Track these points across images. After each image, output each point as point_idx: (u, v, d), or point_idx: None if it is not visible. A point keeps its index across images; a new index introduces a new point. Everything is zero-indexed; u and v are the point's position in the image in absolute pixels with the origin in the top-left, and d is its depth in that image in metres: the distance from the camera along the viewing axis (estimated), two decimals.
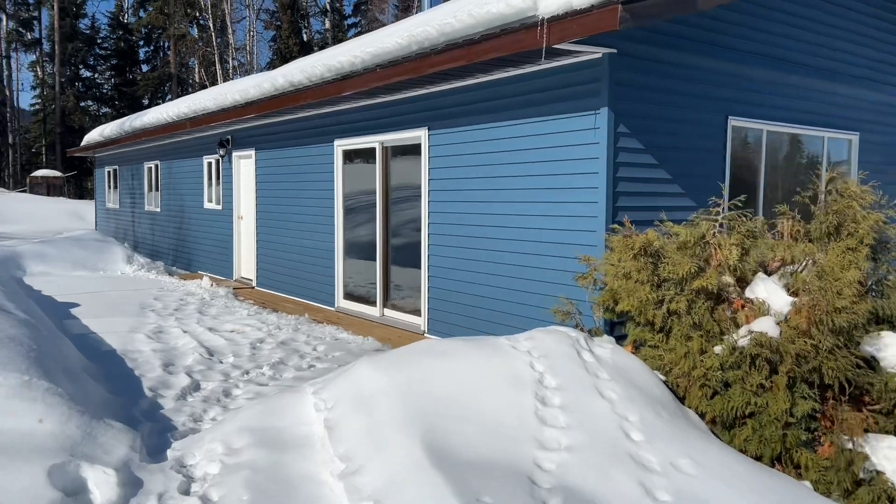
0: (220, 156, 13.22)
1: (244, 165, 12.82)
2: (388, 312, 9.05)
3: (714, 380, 4.24)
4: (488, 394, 3.73)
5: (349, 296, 9.80)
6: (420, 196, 8.24)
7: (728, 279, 4.41)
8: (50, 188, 30.13)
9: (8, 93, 37.71)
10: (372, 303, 9.31)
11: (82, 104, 38.34)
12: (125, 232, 19.68)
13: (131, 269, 13.79)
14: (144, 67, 43.04)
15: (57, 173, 31.06)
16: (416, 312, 8.47)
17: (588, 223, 6.16)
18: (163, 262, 16.48)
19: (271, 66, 35.74)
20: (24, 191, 30.86)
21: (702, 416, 4.34)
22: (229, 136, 13.13)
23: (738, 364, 4.17)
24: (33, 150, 37.95)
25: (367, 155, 9.31)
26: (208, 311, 9.64)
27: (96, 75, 40.60)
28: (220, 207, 13.68)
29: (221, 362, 6.77)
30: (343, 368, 4.48)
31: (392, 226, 9.01)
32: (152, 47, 42.94)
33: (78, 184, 36.04)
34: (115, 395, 5.41)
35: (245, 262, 12.94)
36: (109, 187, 21.38)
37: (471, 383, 3.82)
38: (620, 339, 5.29)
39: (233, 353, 7.14)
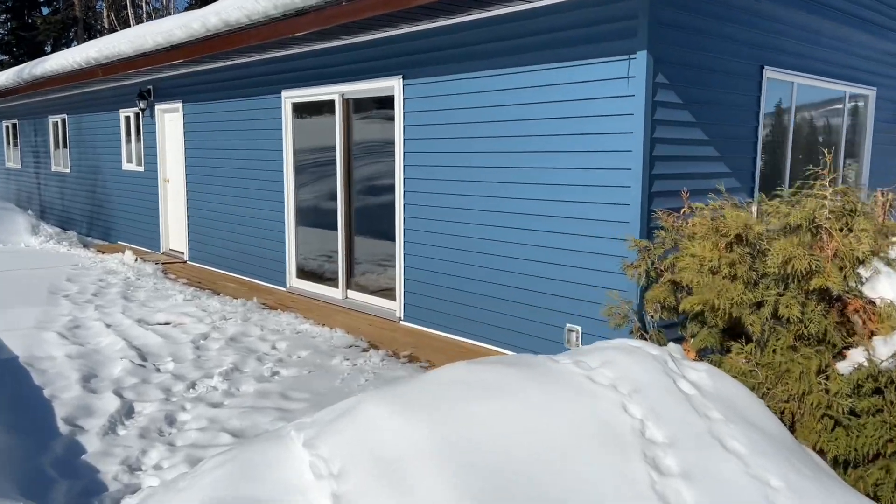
0: (141, 109, 11.41)
1: (169, 120, 11.08)
2: (354, 295, 7.77)
3: (840, 409, 3.24)
4: (576, 457, 2.59)
5: (304, 274, 8.44)
6: (394, 156, 6.93)
7: (850, 275, 3.38)
8: None
9: None
10: (332, 282, 8.00)
11: None
12: (29, 196, 17.43)
13: (37, 241, 11.91)
14: (45, 10, 38.94)
15: None
16: (390, 295, 7.24)
17: (619, 195, 5.04)
18: (76, 231, 14.51)
19: (189, 10, 32.77)
20: None
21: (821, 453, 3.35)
22: (150, 87, 11.32)
23: (879, 390, 3.18)
24: None
25: (323, 108, 7.88)
26: (135, 294, 8.12)
27: None
28: (141, 169, 11.91)
29: (159, 370, 5.39)
30: (343, 406, 3.24)
31: (357, 190, 7.67)
32: None
33: None
34: (16, 434, 4.01)
35: (174, 233, 11.31)
36: (8, 144, 18.93)
37: (545, 439, 2.67)
38: (673, 341, 4.26)
39: (172, 355, 5.75)
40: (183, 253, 10.98)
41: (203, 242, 10.31)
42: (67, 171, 14.87)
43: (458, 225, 6.25)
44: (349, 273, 7.84)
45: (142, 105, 11.33)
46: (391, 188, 7.05)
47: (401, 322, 6.97)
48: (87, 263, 10.18)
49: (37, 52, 34.49)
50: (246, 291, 8.49)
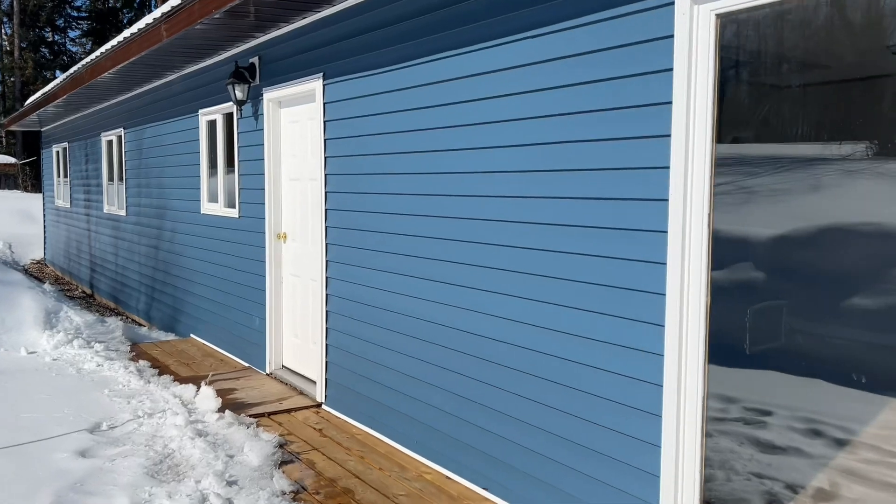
0: (236, 102, 6.06)
1: (291, 120, 5.68)
2: None
3: None
4: None
5: None
6: None
7: None
8: (1, 179, 22.98)
9: None
10: None
11: (46, 73, 31.02)
12: (78, 247, 12.55)
13: (52, 341, 6.63)
14: None
15: (10, 159, 23.89)
16: None
17: None
18: (126, 313, 9.38)
19: None
20: None
21: None
22: (255, 60, 5.99)
23: None
24: None
25: None
26: None
27: (67, 40, 33.30)
28: (234, 214, 6.56)
29: None
30: None
31: None
32: (136, 5, 35.48)
33: (38, 173, 28.90)
34: None
35: (295, 339, 5.82)
36: (58, 175, 14.26)
37: None
38: None
39: None
40: (314, 383, 5.44)
41: (362, 373, 4.72)
42: (123, 213, 9.80)
43: None
44: None
45: (238, 94, 5.98)
46: None
47: None
48: (120, 420, 4.74)
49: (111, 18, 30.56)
50: None
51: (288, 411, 5.08)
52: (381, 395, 4.54)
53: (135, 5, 35.04)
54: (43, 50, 31.22)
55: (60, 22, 32.76)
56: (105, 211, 10.64)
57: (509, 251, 3.49)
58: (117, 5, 34.97)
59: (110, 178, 10.44)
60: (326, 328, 5.18)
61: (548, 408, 3.31)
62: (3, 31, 31.33)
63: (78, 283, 12.49)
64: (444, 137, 3.91)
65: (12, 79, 29.04)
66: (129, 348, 6.86)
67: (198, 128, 7.24)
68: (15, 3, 28.47)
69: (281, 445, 4.36)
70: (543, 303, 3.29)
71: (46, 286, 8.87)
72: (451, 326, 3.90)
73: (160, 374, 5.97)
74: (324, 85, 5.04)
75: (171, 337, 7.79)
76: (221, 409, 4.90)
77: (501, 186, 3.53)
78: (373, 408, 4.64)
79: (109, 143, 10.40)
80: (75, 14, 33.67)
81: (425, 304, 4.09)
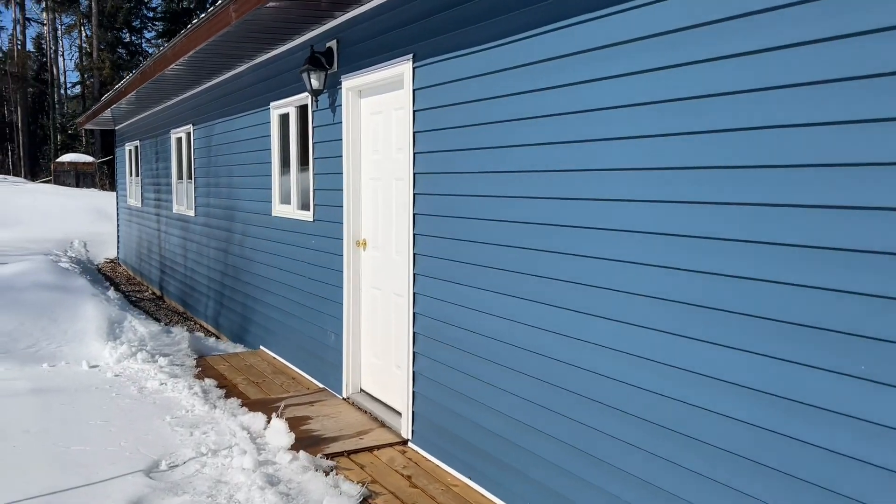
0: (312, 92, 5.38)
1: (373, 111, 4.95)
2: None
3: None
4: None
5: None
6: None
7: None
8: (79, 177, 23.35)
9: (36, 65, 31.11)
10: None
11: (123, 73, 31.61)
12: (149, 245, 12.27)
13: (114, 354, 6.14)
14: None
15: (88, 158, 24.30)
16: None
17: None
18: (195, 318, 8.93)
19: None
20: (49, 181, 24.28)
21: None
22: (332, 44, 5.29)
23: None
24: (70, 132, 31.42)
25: None
26: None
27: (143, 41, 33.87)
28: (308, 216, 5.90)
29: None
30: None
31: None
32: (208, 6, 35.93)
33: (113, 171, 29.48)
34: None
35: (374, 359, 5.10)
36: (131, 174, 14.09)
37: None
38: None
39: None
40: (399, 415, 4.71)
41: (459, 411, 3.95)
42: (192, 214, 9.36)
43: None
44: None
45: (314, 82, 5.30)
46: None
47: None
48: (182, 457, 4.12)
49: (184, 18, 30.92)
50: None
51: (370, 449, 4.36)
52: (484, 440, 3.76)
53: (207, 5, 35.38)
54: (120, 51, 31.86)
55: (137, 23, 33.40)
56: (174, 211, 10.25)
57: (677, 276, 2.64)
58: (191, 6, 35.39)
59: (179, 177, 10.04)
60: (414, 352, 4.44)
61: (729, 488, 2.45)
62: (82, 32, 32.13)
63: (148, 285, 12.23)
64: (583, 124, 3.08)
65: (91, 79, 29.70)
66: (194, 362, 6.31)
67: (269, 122, 6.63)
68: (93, 4, 29.05)
69: (365, 499, 3.64)
70: (725, 347, 2.43)
71: (111, 293, 8.47)
72: (584, 368, 3.07)
73: (227, 395, 5.37)
74: (413, 68, 4.29)
75: (239, 348, 7.23)
76: (295, 447, 4.22)
77: (659, 188, 2.69)
78: (472, 454, 3.87)
79: (179, 140, 10.00)
80: (151, 15, 34.23)
81: (547, 337, 3.28)
